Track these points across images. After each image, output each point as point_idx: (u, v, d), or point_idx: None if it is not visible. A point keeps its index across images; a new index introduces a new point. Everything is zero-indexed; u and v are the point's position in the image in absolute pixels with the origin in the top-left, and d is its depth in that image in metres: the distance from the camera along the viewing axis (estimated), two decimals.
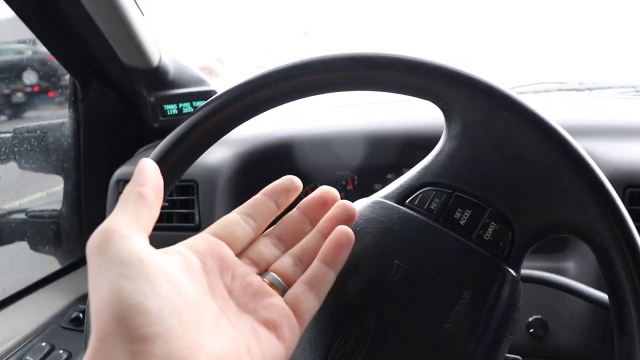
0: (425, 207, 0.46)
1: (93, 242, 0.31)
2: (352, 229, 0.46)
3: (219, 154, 0.97)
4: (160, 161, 0.48)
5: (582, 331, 0.79)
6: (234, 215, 0.42)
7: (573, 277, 0.77)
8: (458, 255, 0.44)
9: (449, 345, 0.42)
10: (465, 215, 0.45)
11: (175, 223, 0.97)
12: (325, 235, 0.43)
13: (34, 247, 1.22)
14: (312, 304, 0.40)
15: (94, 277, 0.30)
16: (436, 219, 0.46)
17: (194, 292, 0.33)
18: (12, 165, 1.13)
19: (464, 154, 0.47)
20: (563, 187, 0.43)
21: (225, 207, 0.96)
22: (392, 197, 0.48)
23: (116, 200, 1.03)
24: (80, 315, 1.02)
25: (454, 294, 0.43)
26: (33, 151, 1.14)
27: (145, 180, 0.36)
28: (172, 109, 1.07)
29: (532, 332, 0.80)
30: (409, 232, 0.46)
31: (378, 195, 0.49)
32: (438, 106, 0.49)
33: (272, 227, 0.45)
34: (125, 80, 1.07)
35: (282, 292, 0.40)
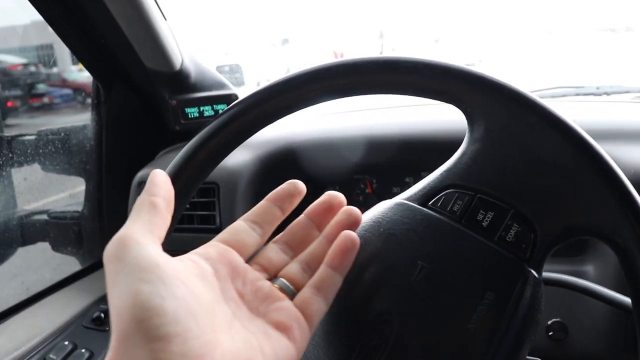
0: (448, 208, 0.47)
1: (110, 250, 0.33)
2: (376, 230, 0.46)
3: (240, 157, 0.98)
4: (176, 174, 0.50)
5: (603, 335, 0.79)
6: (241, 223, 0.43)
7: (593, 280, 0.77)
8: (480, 257, 0.45)
9: (471, 345, 0.42)
10: (488, 217, 0.46)
11: (196, 225, 0.98)
12: (331, 240, 0.44)
13: (56, 247, 1.24)
14: (320, 307, 0.41)
15: (112, 282, 0.32)
16: (459, 221, 0.46)
17: (208, 296, 0.35)
18: (36, 166, 1.15)
19: (487, 156, 0.47)
20: (586, 190, 0.44)
21: (245, 210, 0.96)
22: (415, 199, 0.49)
23: None
24: (102, 314, 1.03)
25: (477, 295, 0.43)
26: (57, 153, 1.16)
27: (157, 191, 0.38)
28: (193, 112, 1.08)
29: (552, 335, 0.80)
30: (432, 233, 0.46)
31: (401, 197, 0.50)
32: (461, 109, 0.49)
33: (280, 234, 0.46)
34: (147, 83, 1.09)
35: (291, 296, 0.41)
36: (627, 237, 0.42)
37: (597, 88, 1.41)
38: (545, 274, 0.69)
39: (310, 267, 0.43)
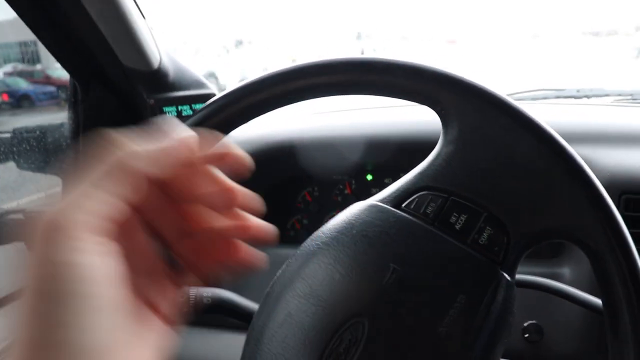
0: (421, 211, 0.47)
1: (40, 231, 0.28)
2: (349, 232, 0.46)
3: None
4: None
5: (577, 336, 0.80)
6: None
7: (568, 282, 0.77)
8: (453, 259, 0.45)
9: (443, 348, 0.42)
10: (461, 220, 0.46)
11: None
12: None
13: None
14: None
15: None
16: (432, 223, 0.46)
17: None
18: (11, 165, 1.13)
19: (461, 158, 0.47)
20: (558, 193, 0.44)
21: None
22: (389, 200, 0.49)
23: None
24: None
25: (449, 298, 0.43)
26: (32, 151, 1.14)
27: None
28: (171, 111, 1.07)
29: (527, 337, 0.81)
30: (404, 235, 0.46)
31: (374, 199, 0.49)
32: (435, 111, 0.49)
33: None
34: (125, 82, 1.07)
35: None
36: (598, 240, 0.42)
37: (578, 91, 1.42)
38: (520, 276, 0.70)
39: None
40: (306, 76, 0.50)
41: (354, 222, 0.48)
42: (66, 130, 1.16)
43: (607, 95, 1.38)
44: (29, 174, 1.18)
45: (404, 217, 0.47)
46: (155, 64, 1.04)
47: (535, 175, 0.44)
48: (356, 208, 0.49)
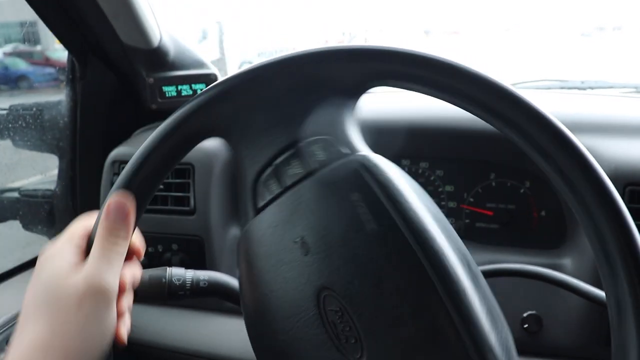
0: (273, 191, 0.48)
1: (90, 295, 0.43)
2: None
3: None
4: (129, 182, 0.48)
5: (577, 328, 0.79)
6: None
7: (570, 273, 0.76)
8: (320, 187, 0.45)
9: (383, 242, 0.42)
10: (295, 164, 0.47)
11: (170, 206, 0.96)
12: None
13: (26, 226, 1.21)
14: None
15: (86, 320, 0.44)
16: (284, 190, 0.47)
17: None
18: (7, 142, 1.12)
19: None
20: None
21: (221, 192, 0.95)
22: (251, 214, 0.49)
23: (111, 181, 1.02)
24: None
25: (348, 204, 0.44)
26: (28, 129, 1.12)
27: (119, 232, 0.46)
28: (170, 90, 1.06)
29: (527, 327, 0.80)
30: (283, 217, 0.47)
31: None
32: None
33: None
34: (124, 60, 1.05)
35: None
36: (604, 230, 0.41)
37: (582, 82, 1.41)
38: (521, 266, 0.69)
39: None
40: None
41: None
42: (63, 108, 1.15)
43: (611, 87, 1.36)
44: (25, 152, 1.16)
45: (268, 209, 0.47)
46: (155, 42, 1.02)
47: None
48: None
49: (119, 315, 0.46)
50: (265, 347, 0.48)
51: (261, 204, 0.48)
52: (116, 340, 0.46)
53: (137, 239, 0.51)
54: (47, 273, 0.44)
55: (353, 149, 0.47)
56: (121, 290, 0.46)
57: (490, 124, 0.45)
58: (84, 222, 0.48)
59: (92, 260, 0.44)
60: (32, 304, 0.43)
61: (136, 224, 0.47)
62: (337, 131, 0.48)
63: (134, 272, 0.50)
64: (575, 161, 0.41)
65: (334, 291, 0.43)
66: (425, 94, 0.47)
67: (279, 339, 0.45)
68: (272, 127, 0.48)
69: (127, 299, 0.49)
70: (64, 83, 1.15)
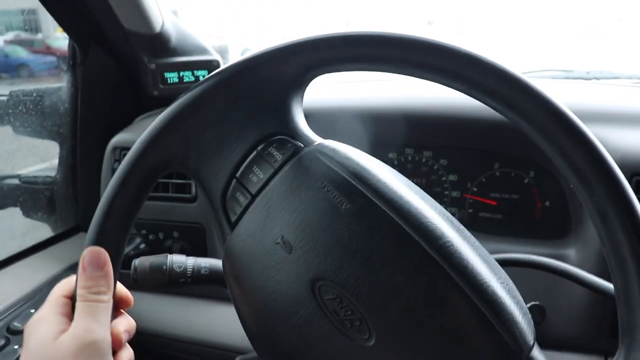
0: (242, 202, 0.48)
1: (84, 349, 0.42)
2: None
3: None
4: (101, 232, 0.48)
5: (580, 319, 0.78)
6: None
7: (573, 264, 0.76)
8: (287, 185, 0.46)
9: (367, 214, 0.43)
10: (256, 171, 0.48)
11: (171, 193, 0.95)
12: None
13: (27, 213, 1.20)
14: None
15: None
16: (253, 198, 0.47)
17: None
18: (7, 128, 1.11)
19: None
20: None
21: None
22: (228, 231, 0.49)
23: (112, 167, 1.01)
24: None
25: (318, 193, 0.44)
26: (28, 114, 1.11)
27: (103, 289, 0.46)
28: (172, 77, 1.04)
29: (530, 318, 0.79)
30: (259, 223, 0.47)
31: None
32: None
33: None
34: (125, 45, 1.04)
35: None
36: (609, 209, 0.40)
37: (587, 73, 1.40)
38: (526, 256, 0.68)
39: None
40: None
41: None
42: (64, 94, 1.14)
43: (616, 77, 1.36)
44: (25, 139, 1.16)
45: (243, 220, 0.48)
46: (157, 28, 1.01)
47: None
48: None
49: None
50: (273, 356, 0.48)
51: (234, 218, 0.48)
52: None
53: (122, 289, 0.51)
54: (35, 341, 0.43)
55: (307, 141, 0.48)
56: (118, 344, 0.46)
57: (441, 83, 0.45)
58: (64, 284, 0.48)
59: (78, 318, 0.43)
60: None
61: (117, 274, 0.47)
62: (288, 128, 0.49)
63: (128, 324, 0.49)
64: (584, 149, 0.41)
65: (326, 280, 0.43)
66: (365, 70, 0.47)
67: (285, 343, 0.45)
68: (224, 141, 0.49)
69: (127, 353, 0.48)
70: (65, 71, 1.14)
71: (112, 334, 0.45)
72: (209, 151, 0.49)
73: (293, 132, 0.49)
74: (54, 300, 0.46)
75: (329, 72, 0.48)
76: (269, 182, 0.47)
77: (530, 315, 0.44)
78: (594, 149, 0.40)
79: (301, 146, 0.48)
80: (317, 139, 0.48)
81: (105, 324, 0.44)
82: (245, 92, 0.48)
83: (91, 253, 0.46)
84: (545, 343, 0.79)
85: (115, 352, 0.46)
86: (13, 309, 0.91)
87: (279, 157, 0.47)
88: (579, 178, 0.41)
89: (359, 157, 0.46)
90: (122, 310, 0.51)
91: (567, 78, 1.38)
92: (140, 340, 0.96)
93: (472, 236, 0.45)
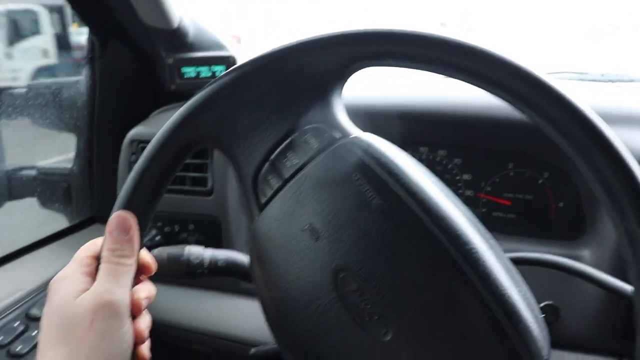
0: (274, 185, 0.48)
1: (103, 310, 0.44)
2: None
3: None
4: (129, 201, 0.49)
5: (594, 320, 0.78)
6: None
7: (589, 265, 0.75)
8: (319, 173, 0.46)
9: (392, 213, 0.43)
10: (291, 156, 0.48)
11: (187, 186, 0.96)
12: None
13: (44, 204, 1.22)
14: None
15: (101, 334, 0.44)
16: (285, 183, 0.47)
17: None
18: (26, 120, 1.12)
19: None
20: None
21: None
22: (256, 212, 0.50)
23: (128, 161, 1.02)
24: None
25: (350, 185, 0.44)
26: (47, 107, 1.13)
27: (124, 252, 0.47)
28: (189, 72, 1.05)
29: (543, 317, 0.79)
30: (288, 208, 0.47)
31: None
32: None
33: None
34: (144, 40, 1.05)
35: None
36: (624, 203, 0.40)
37: (602, 75, 1.39)
38: (540, 255, 0.68)
39: None
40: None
41: None
42: (82, 87, 1.15)
43: (632, 80, 1.35)
44: (43, 130, 1.17)
45: (272, 204, 0.48)
46: (175, 23, 1.02)
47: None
48: None
49: (139, 336, 0.47)
50: (290, 342, 0.48)
51: (264, 200, 0.48)
52: None
53: (146, 255, 0.51)
54: (58, 298, 0.45)
55: (345, 133, 0.48)
56: (137, 309, 0.47)
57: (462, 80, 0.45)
58: (90, 246, 0.49)
59: (100, 279, 0.45)
60: (48, 331, 0.44)
61: (141, 241, 0.48)
62: (326, 117, 0.49)
63: (149, 290, 0.50)
64: (602, 148, 0.41)
65: (349, 271, 0.43)
66: (410, 68, 0.47)
67: (301, 329, 0.45)
68: (260, 124, 0.49)
69: (145, 320, 0.49)
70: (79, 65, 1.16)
71: (132, 299, 0.46)
72: (243, 132, 0.49)
73: (331, 122, 0.48)
74: (79, 260, 0.47)
75: (372, 67, 0.48)
76: (303, 169, 0.47)
77: (547, 331, 0.45)
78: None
79: (338, 136, 0.47)
80: (354, 131, 0.48)
81: (126, 287, 0.46)
82: (286, 77, 0.48)
83: (118, 217, 0.47)
84: (558, 343, 0.80)
85: (134, 317, 0.46)
86: (31, 297, 0.92)
87: (315, 144, 0.47)
88: (613, 205, 0.41)
89: (394, 154, 0.46)
90: (143, 278, 0.52)
91: (581, 80, 1.37)
92: (154, 331, 0.97)
93: (497, 245, 0.45)
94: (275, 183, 0.48)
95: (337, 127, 0.48)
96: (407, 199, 0.43)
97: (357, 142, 0.46)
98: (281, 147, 0.48)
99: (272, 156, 0.48)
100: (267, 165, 0.48)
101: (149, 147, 0.49)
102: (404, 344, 0.42)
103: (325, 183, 0.45)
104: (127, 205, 0.48)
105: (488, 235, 0.45)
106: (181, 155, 0.50)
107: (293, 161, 0.47)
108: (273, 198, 0.47)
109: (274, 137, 0.49)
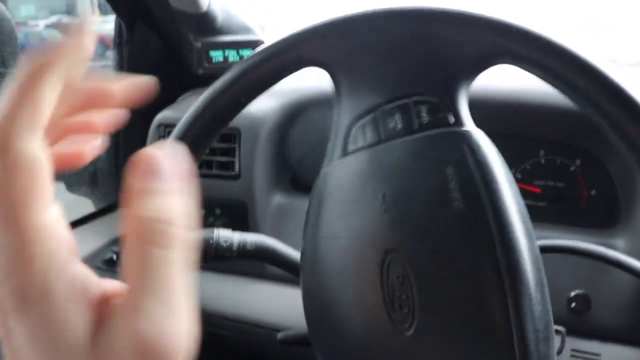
0: (368, 138, 0.47)
1: None
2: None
3: (264, 104, 0.95)
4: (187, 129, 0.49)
5: (625, 310, 0.77)
6: None
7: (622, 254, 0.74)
8: (418, 151, 0.44)
9: (464, 219, 0.42)
10: (397, 119, 0.45)
11: (214, 170, 0.96)
12: None
13: (70, 188, 1.23)
14: None
15: None
16: (379, 141, 0.46)
17: None
18: None
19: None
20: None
21: (266, 158, 0.94)
22: (338, 154, 0.48)
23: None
24: (114, 256, 1.03)
25: (442, 179, 0.43)
26: None
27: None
28: (217, 56, 1.05)
29: (574, 307, 0.78)
30: (371, 168, 0.46)
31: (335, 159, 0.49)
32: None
33: None
34: (171, 24, 1.05)
35: None
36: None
37: (637, 62, 1.37)
38: (573, 242, 0.67)
39: None
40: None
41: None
42: (110, 71, 1.15)
43: None
44: None
45: (359, 155, 0.46)
46: (204, 7, 1.02)
47: None
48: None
49: None
50: (315, 296, 0.48)
51: (352, 148, 0.47)
52: None
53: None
54: None
55: (459, 121, 0.45)
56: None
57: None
58: None
59: None
60: None
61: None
62: (448, 97, 0.46)
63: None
64: None
65: (401, 257, 0.42)
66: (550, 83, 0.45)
67: (332, 292, 0.45)
68: (383, 74, 0.47)
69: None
70: (100, 57, 1.16)
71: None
72: (363, 75, 0.47)
73: (451, 104, 0.46)
74: None
75: (509, 64, 0.46)
76: (403, 137, 0.45)
77: (556, 351, 0.45)
78: None
79: (451, 122, 0.45)
80: (469, 124, 0.46)
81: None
82: (429, 42, 0.46)
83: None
84: (589, 333, 0.79)
85: None
86: None
87: (425, 119, 0.45)
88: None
89: (497, 165, 0.44)
90: None
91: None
92: None
93: (540, 256, 0.44)
94: (370, 137, 0.46)
95: (455, 111, 0.46)
96: (489, 216, 0.41)
97: (467, 136, 0.44)
98: (392, 105, 0.46)
99: (379, 110, 0.46)
100: (370, 116, 0.46)
101: (274, 43, 0.48)
102: (419, 345, 0.42)
103: (418, 161, 0.44)
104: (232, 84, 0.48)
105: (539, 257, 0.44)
106: (293, 67, 0.49)
107: (397, 125, 0.45)
108: (361, 150, 0.46)
109: (389, 94, 0.46)
